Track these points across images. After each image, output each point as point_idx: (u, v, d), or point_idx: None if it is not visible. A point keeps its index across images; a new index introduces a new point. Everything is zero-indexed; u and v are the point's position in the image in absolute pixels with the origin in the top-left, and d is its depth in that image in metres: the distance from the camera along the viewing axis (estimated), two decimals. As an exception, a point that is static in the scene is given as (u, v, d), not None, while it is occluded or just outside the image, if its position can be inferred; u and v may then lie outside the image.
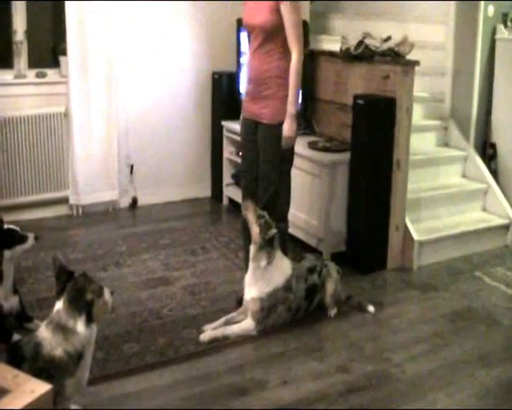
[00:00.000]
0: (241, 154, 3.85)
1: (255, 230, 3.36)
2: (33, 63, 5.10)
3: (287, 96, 3.41)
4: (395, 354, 3.24)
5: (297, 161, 4.32)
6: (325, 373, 3.04)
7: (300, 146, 4.38)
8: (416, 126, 4.30)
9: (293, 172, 4.36)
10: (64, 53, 4.97)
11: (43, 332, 2.36)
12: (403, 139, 4.13)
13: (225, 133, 5.37)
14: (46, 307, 3.17)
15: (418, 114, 4.78)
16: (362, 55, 4.30)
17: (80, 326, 2.36)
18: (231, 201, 5.46)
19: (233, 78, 5.31)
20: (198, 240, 4.73)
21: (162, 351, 3.19)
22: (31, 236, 3.26)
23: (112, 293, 2.52)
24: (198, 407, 2.76)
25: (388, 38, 4.27)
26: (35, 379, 1.74)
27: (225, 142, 5.39)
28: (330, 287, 3.59)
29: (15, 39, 4.97)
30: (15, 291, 3.32)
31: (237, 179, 5.30)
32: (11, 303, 3.27)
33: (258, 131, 3.56)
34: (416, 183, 4.46)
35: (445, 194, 4.69)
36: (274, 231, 3.36)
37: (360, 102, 4.04)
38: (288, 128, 3.43)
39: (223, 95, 5.39)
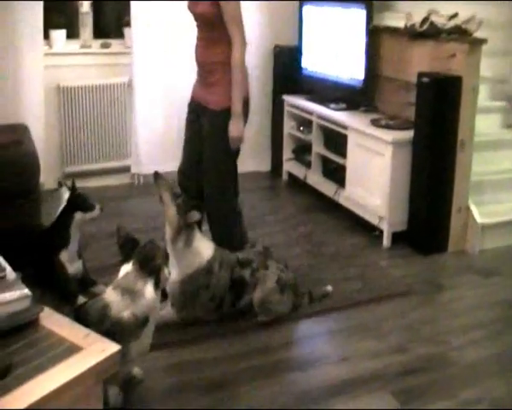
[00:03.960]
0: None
1: (171, 210, 3.07)
2: (98, 34, 5.19)
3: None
4: (453, 337, 3.18)
5: (358, 138, 4.32)
6: (382, 353, 3.02)
7: (362, 123, 4.34)
8: (480, 107, 4.17)
9: (355, 149, 4.37)
10: (128, 24, 5.03)
11: (111, 295, 2.40)
12: (467, 119, 4.02)
13: (286, 108, 5.33)
14: (107, 273, 3.24)
15: (482, 95, 4.64)
16: (427, 32, 4.19)
17: (148, 290, 2.40)
18: (291, 176, 5.44)
19: (294, 52, 5.26)
20: (257, 214, 4.71)
21: (218, 323, 3.21)
22: (97, 206, 3.35)
23: None
24: (256, 379, 2.80)
25: (455, 16, 4.14)
26: (105, 339, 1.79)
27: (286, 116, 5.35)
28: (258, 293, 3.19)
29: (82, 10, 5.07)
30: (79, 256, 3.41)
31: (297, 154, 5.29)
32: (76, 267, 3.36)
33: (204, 119, 3.43)
34: (478, 165, 4.35)
35: (510, 178, 4.55)
36: (197, 215, 3.08)
37: (425, 80, 3.96)
38: (233, 128, 3.28)
39: (284, 69, 5.36)
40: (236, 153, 3.48)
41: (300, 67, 5.15)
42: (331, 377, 2.83)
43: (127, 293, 2.39)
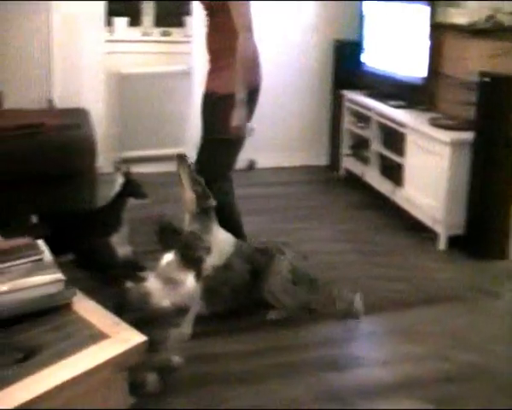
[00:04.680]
0: None
1: (188, 195, 2.97)
2: (159, 22, 5.24)
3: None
4: (501, 347, 3.04)
5: (416, 137, 4.20)
6: (423, 358, 2.92)
7: (421, 122, 4.22)
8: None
9: (412, 148, 4.26)
10: (189, 13, 5.05)
11: (153, 283, 2.41)
12: (533, 122, 3.85)
13: (345, 103, 5.27)
14: (154, 258, 3.26)
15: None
16: (490, 29, 4.03)
17: (190, 281, 2.41)
18: (348, 172, 5.37)
19: (355, 47, 5.18)
20: (310, 208, 4.70)
21: (249, 317, 3.17)
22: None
23: None
24: (288, 376, 2.75)
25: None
26: (132, 329, 1.79)
27: (345, 112, 5.28)
28: (270, 280, 3.08)
29: (144, -1, 5.17)
30: (130, 241, 3.43)
31: (356, 151, 5.22)
32: (125, 251, 3.39)
33: (207, 103, 3.35)
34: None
35: None
36: (213, 202, 2.99)
37: (487, 79, 3.81)
38: (235, 116, 3.14)
39: (344, 64, 5.29)
40: (234, 144, 3.33)
41: (360, 63, 5.07)
42: (367, 379, 2.76)
43: (169, 282, 2.40)
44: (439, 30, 4.48)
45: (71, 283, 3.25)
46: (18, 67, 4.81)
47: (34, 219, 3.65)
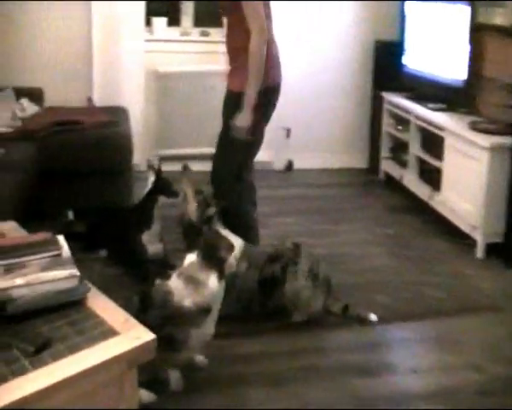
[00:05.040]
0: None
1: (191, 206, 3.00)
2: (198, 22, 5.26)
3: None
4: (538, 361, 2.96)
5: (455, 141, 4.11)
6: (457, 369, 2.84)
7: (460, 125, 4.13)
8: None
9: (451, 152, 4.17)
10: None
11: (175, 282, 2.41)
12: None
13: (385, 105, 5.20)
14: (183, 257, 3.25)
15: None
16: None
17: (212, 281, 2.40)
18: (387, 175, 5.31)
19: (396, 47, 5.10)
20: (346, 211, 4.67)
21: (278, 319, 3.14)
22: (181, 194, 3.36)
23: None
24: (316, 379, 2.72)
25: None
26: (143, 327, 1.80)
27: (385, 113, 5.22)
28: (289, 288, 3.03)
29: (183, -1, 5.19)
30: (160, 239, 3.46)
31: (395, 153, 5.16)
32: (156, 249, 3.42)
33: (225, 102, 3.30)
34: None
35: None
36: (213, 210, 3.00)
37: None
38: (240, 117, 3.09)
39: (384, 65, 5.23)
40: (248, 144, 3.24)
41: (401, 64, 4.99)
42: (397, 387, 2.70)
43: (191, 282, 2.39)
44: (480, 31, 4.37)
45: (102, 279, 3.34)
46: (59, 66, 4.90)
47: (70, 215, 3.78)
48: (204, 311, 2.41)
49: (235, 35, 3.20)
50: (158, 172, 3.48)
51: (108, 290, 3.15)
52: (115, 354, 1.66)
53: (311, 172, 5.50)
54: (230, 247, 2.48)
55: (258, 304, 3.07)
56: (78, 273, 1.90)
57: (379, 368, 2.82)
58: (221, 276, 2.44)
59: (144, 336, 1.74)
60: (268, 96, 3.19)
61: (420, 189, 4.66)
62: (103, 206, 3.91)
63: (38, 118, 4.26)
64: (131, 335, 1.73)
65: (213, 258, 2.42)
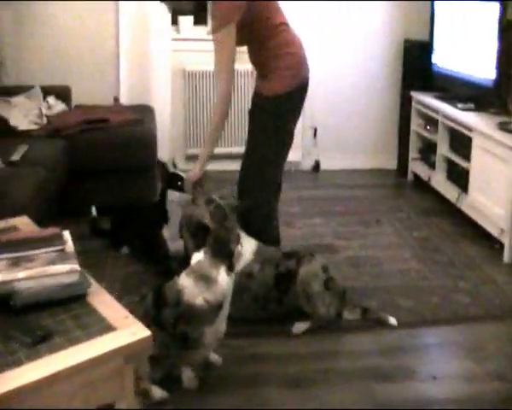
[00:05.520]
0: None
1: (202, 212, 2.95)
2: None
3: (288, 66, 3.06)
4: None
5: (484, 142, 4.01)
6: (479, 377, 2.76)
7: (489, 126, 4.03)
8: None
9: (479, 153, 4.08)
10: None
11: (185, 280, 2.39)
12: None
13: (414, 105, 5.12)
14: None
15: None
16: None
17: (222, 276, 2.38)
18: (416, 176, 5.23)
19: (426, 47, 5.02)
20: (374, 212, 4.61)
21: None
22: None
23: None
24: (336, 383, 2.68)
25: None
26: (140, 324, 1.80)
27: (414, 114, 5.14)
28: (302, 273, 2.96)
29: (210, -2, 5.14)
30: (181, 236, 3.40)
31: (423, 154, 5.09)
32: (177, 245, 3.41)
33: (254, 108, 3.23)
34: None
35: None
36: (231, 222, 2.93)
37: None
38: (192, 171, 3.16)
39: (414, 64, 5.15)
40: (282, 145, 3.21)
41: (431, 63, 4.91)
42: (418, 393, 2.64)
43: (201, 279, 2.38)
44: (510, 29, 4.25)
45: (124, 276, 3.36)
46: (86, 66, 4.95)
47: (93, 211, 3.86)
48: (216, 308, 2.39)
49: (254, 51, 3.17)
50: (164, 168, 3.47)
51: (128, 287, 3.25)
52: (111, 348, 1.67)
53: (339, 173, 5.47)
54: (237, 238, 2.46)
55: (275, 301, 3.02)
56: (79, 268, 1.91)
57: (399, 373, 2.76)
58: (231, 269, 2.42)
59: (140, 332, 1.74)
60: (302, 94, 3.19)
61: (448, 190, 4.58)
62: (127, 203, 3.97)
63: (65, 116, 4.33)
64: (130, 331, 1.74)
65: (221, 252, 2.40)
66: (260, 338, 2.96)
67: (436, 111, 4.72)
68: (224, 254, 2.40)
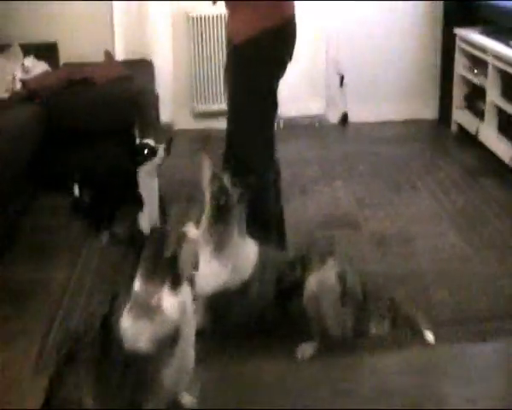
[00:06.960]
0: None
1: (206, 196, 2.48)
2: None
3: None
4: None
5: None
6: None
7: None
8: None
9: None
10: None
11: (125, 322, 1.89)
12: None
13: (458, 43, 4.65)
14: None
15: None
16: None
17: (167, 301, 1.86)
18: (461, 128, 4.71)
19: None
20: (407, 173, 4.10)
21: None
22: (160, 147, 3.00)
23: None
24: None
25: None
26: None
27: (458, 54, 4.67)
28: (311, 283, 2.39)
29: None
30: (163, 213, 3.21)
31: (470, 102, 4.62)
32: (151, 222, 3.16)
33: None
34: None
35: None
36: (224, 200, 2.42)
37: None
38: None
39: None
40: (267, 95, 2.72)
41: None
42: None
43: (142, 314, 1.85)
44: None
45: (100, 266, 3.10)
46: (75, 16, 4.57)
47: (76, 191, 3.59)
48: (168, 343, 1.86)
49: None
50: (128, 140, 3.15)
51: (102, 281, 2.94)
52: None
53: (370, 126, 5.00)
54: (181, 235, 1.89)
55: (277, 310, 2.46)
56: None
57: (427, 395, 2.24)
58: (177, 285, 1.87)
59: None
60: (281, 34, 2.66)
61: (499, 146, 4.08)
62: (113, 168, 3.65)
63: (43, 78, 4.02)
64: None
65: (158, 270, 1.87)
66: (258, 361, 2.42)
67: (484, 50, 4.24)
68: (161, 270, 1.85)
